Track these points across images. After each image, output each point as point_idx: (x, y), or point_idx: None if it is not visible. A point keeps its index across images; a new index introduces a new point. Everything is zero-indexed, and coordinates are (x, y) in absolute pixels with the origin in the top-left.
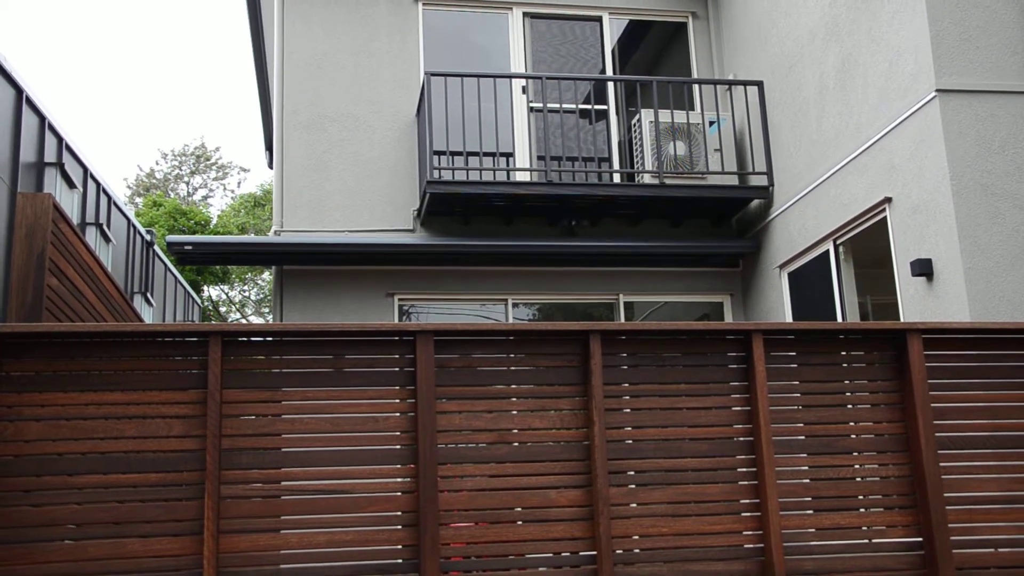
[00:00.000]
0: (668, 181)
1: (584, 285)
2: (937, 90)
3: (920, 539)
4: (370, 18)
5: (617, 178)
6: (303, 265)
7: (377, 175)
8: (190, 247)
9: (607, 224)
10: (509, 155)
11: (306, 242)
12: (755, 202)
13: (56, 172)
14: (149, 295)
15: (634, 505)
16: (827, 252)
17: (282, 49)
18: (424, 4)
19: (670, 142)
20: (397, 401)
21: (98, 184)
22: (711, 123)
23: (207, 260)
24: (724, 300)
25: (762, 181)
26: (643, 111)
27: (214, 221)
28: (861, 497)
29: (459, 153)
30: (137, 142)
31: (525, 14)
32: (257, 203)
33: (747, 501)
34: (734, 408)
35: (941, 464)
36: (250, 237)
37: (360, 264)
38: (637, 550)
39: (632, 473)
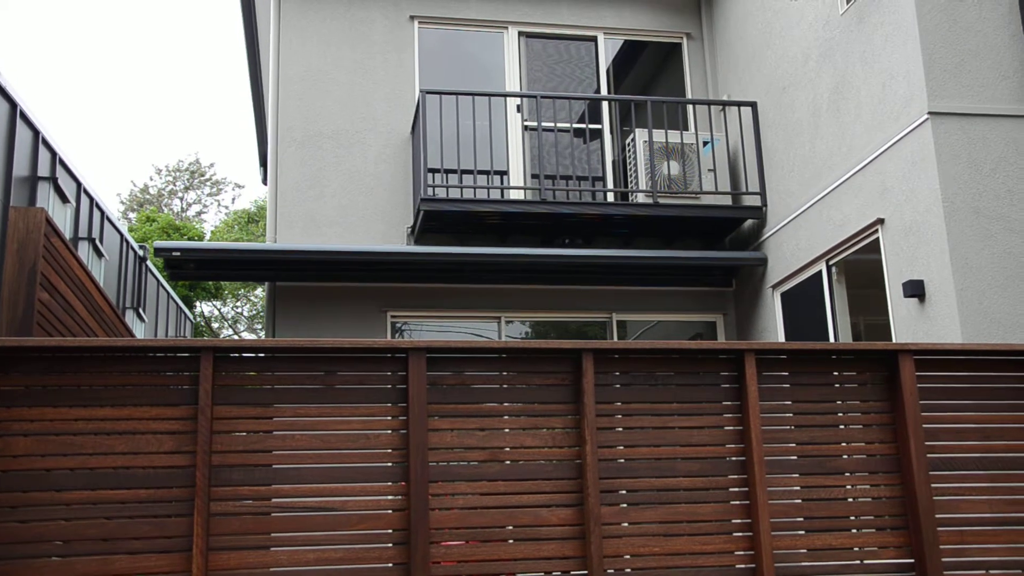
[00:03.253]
0: (662, 201)
1: (577, 304)
2: (929, 113)
3: (912, 560)
4: (366, 35)
5: (611, 197)
6: (296, 282)
7: (371, 192)
8: (178, 253)
9: (600, 243)
10: (503, 173)
11: (298, 249)
12: (748, 222)
13: (49, 186)
14: (141, 311)
15: (626, 524)
16: (820, 272)
17: (277, 66)
18: (419, 22)
19: (664, 162)
20: (389, 418)
21: (91, 199)
22: (705, 143)
23: (197, 273)
24: (717, 320)
25: (755, 201)
26: (637, 131)
27: (208, 237)
28: (853, 518)
29: (453, 171)
30: (131, 157)
31: (520, 33)
32: (251, 219)
33: (739, 521)
34: (726, 428)
35: (933, 485)
36: (240, 244)
37: (353, 281)
38: (629, 569)
39: (624, 492)
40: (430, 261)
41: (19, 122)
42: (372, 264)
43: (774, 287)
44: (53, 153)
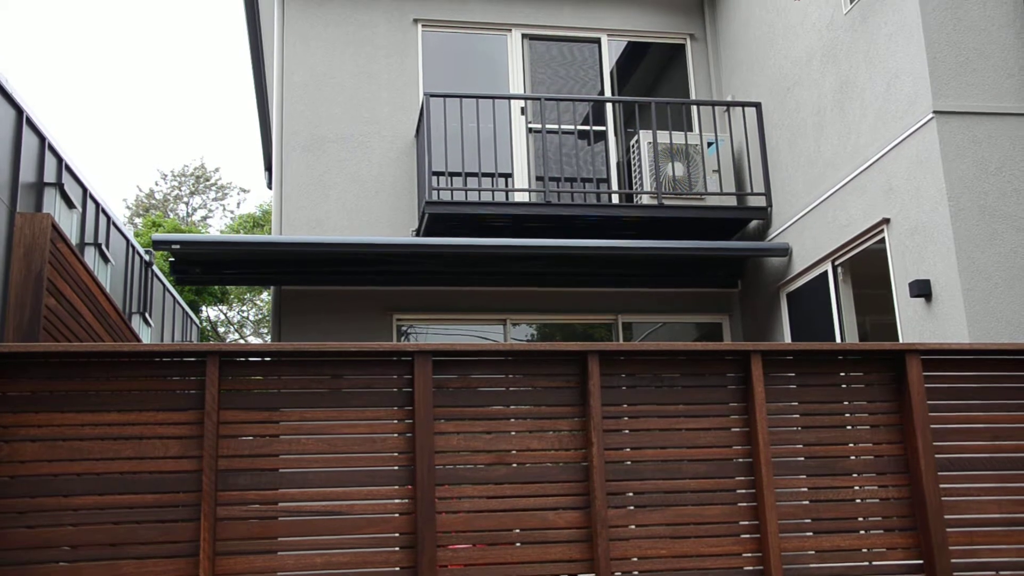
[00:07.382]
0: (667, 202)
1: (582, 306)
2: (934, 112)
3: (920, 562)
4: (369, 39)
5: (616, 199)
6: (301, 285)
7: (376, 195)
8: (178, 246)
9: None
10: (508, 176)
11: (299, 241)
12: (753, 223)
13: (55, 192)
14: (147, 315)
15: (633, 527)
16: (825, 273)
17: (282, 70)
18: (423, 25)
19: (668, 163)
20: (395, 422)
21: (97, 204)
22: (709, 144)
23: (203, 277)
24: (722, 321)
25: (760, 202)
26: (642, 132)
27: None
28: (861, 519)
29: (458, 174)
30: (137, 163)
31: (524, 36)
32: (256, 223)
33: (746, 523)
34: (733, 429)
35: (941, 486)
36: (239, 236)
37: (359, 284)
38: (636, 572)
39: (631, 494)
40: (436, 254)
41: (25, 128)
42: (378, 258)
43: (780, 287)
44: (59, 159)
